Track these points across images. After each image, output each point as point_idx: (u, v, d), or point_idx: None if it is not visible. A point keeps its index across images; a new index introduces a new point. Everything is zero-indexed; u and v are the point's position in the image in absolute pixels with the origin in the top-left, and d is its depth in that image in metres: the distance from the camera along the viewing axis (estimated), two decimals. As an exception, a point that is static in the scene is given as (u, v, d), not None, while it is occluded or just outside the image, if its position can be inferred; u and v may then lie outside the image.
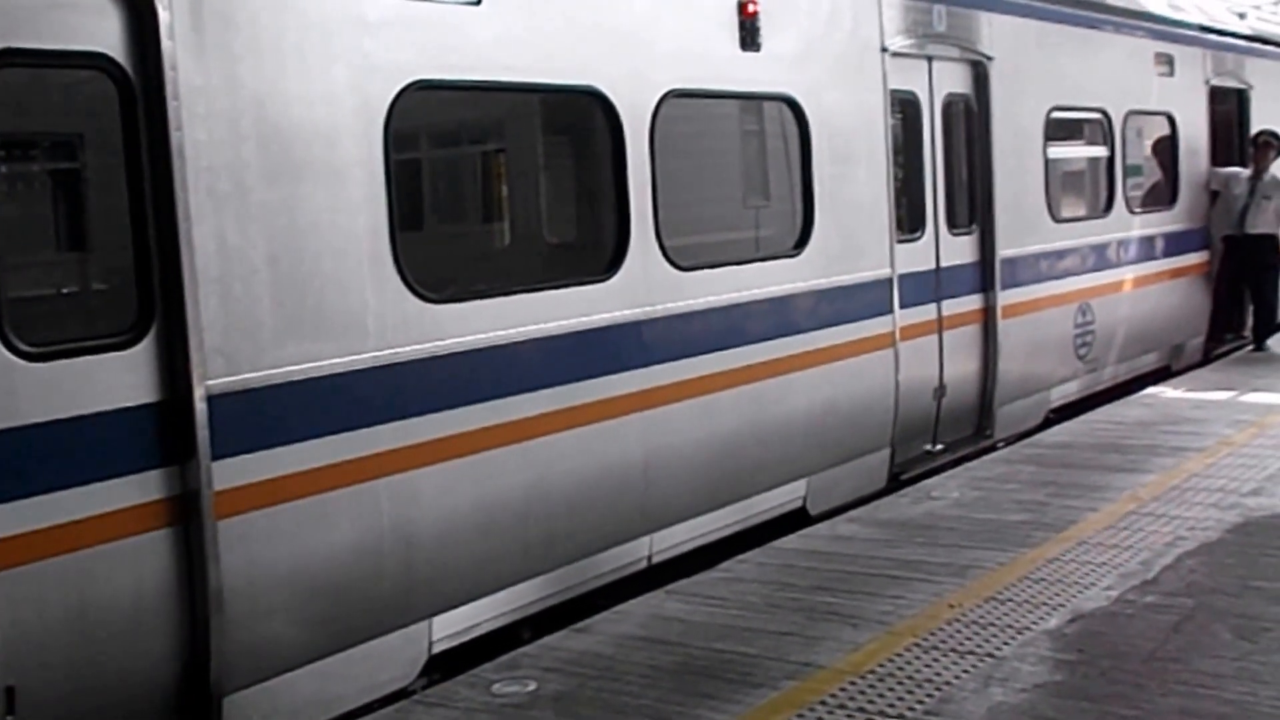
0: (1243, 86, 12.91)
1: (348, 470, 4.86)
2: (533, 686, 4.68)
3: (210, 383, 4.41)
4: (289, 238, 4.70)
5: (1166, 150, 11.60)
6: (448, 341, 5.22)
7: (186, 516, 4.38)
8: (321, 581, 4.79)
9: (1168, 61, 11.42)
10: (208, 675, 4.45)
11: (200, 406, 4.37)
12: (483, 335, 5.36)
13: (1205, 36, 12.55)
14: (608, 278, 5.95)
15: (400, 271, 5.05)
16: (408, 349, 5.07)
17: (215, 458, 4.41)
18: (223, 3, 4.50)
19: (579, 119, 6.18)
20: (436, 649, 5.28)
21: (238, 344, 4.52)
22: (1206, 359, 12.09)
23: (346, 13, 4.91)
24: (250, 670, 4.59)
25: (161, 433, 4.33)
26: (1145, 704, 4.27)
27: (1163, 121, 11.45)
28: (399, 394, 5.04)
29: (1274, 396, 9.42)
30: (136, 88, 4.28)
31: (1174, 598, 5.24)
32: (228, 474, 4.47)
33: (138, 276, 4.34)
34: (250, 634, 4.56)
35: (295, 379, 4.69)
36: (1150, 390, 10.07)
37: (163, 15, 4.29)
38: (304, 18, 4.77)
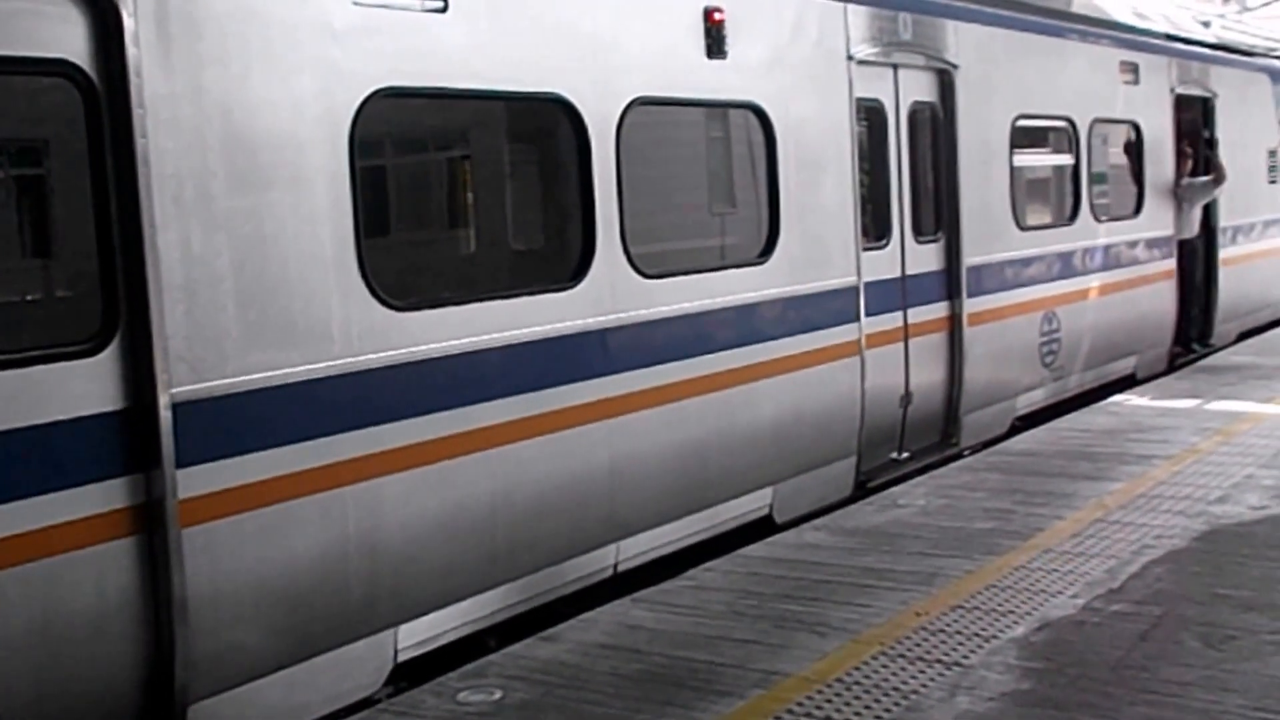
0: (1208, 95, 13.03)
1: (313, 478, 4.83)
2: (498, 695, 4.65)
3: (175, 390, 4.37)
4: (254, 245, 4.67)
5: (1132, 158, 11.69)
6: (413, 349, 5.20)
7: (151, 525, 4.34)
8: (287, 590, 4.75)
9: (1133, 70, 11.52)
10: (172, 684, 4.41)
11: (165, 414, 4.34)
12: (448, 343, 5.34)
13: (1170, 45, 12.68)
14: (573, 285, 5.94)
15: (366, 279, 5.02)
16: (373, 357, 5.04)
17: (180, 465, 4.38)
18: (188, 10, 4.47)
19: (545, 126, 6.18)
20: (402, 657, 5.25)
21: (202, 352, 4.49)
22: (1172, 366, 12.20)
23: (312, 20, 4.88)
24: (215, 679, 4.55)
25: (126, 440, 4.29)
26: (1112, 712, 4.29)
27: (1128, 130, 11.53)
28: (364, 402, 5.01)
29: (1240, 404, 9.50)
30: (101, 95, 4.25)
31: (1141, 606, 5.27)
32: (192, 482, 4.43)
33: (102, 284, 4.30)
34: (215, 643, 4.52)
35: (260, 387, 4.67)
36: (1116, 398, 10.14)
37: (128, 22, 4.26)
38: (269, 25, 4.74)
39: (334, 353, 4.90)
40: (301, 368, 4.78)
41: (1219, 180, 12.48)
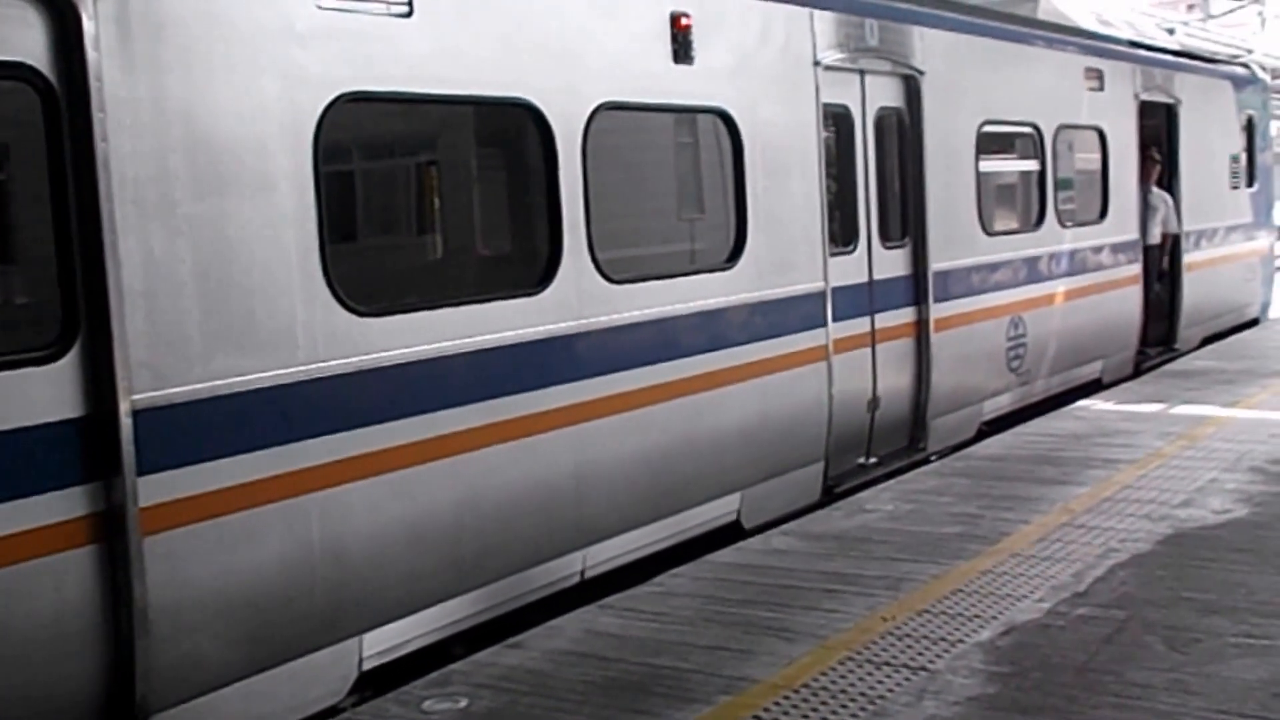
0: (1171, 101, 13.14)
1: (277, 485, 4.79)
2: (464, 703, 4.63)
3: (136, 397, 4.33)
4: (217, 250, 4.63)
5: (1097, 163, 11.77)
6: (378, 355, 5.17)
7: (111, 533, 4.29)
8: (250, 598, 4.71)
9: (1098, 76, 11.60)
10: (133, 694, 4.36)
11: (125, 421, 4.29)
12: (414, 349, 5.31)
13: (1134, 52, 12.77)
14: (540, 291, 5.92)
15: (330, 285, 4.99)
16: (337, 363, 5.01)
17: (141, 473, 4.34)
18: (150, 14, 4.43)
19: (511, 131, 6.16)
20: (367, 666, 5.21)
21: (164, 358, 4.44)
22: (1137, 370, 12.28)
23: (276, 24, 4.85)
24: (176, 689, 4.51)
25: (86, 448, 4.24)
26: (1077, 715, 4.30)
27: (1093, 136, 11.61)
28: (329, 408, 4.98)
29: (1203, 408, 9.57)
30: (61, 99, 4.20)
31: (1106, 609, 5.29)
32: (154, 490, 4.39)
33: (62, 290, 4.25)
34: (176, 652, 4.47)
35: (223, 393, 4.62)
36: (1082, 403, 10.19)
37: (88, 26, 4.22)
38: (232, 29, 4.70)
39: (298, 358, 4.86)
40: (265, 374, 4.75)
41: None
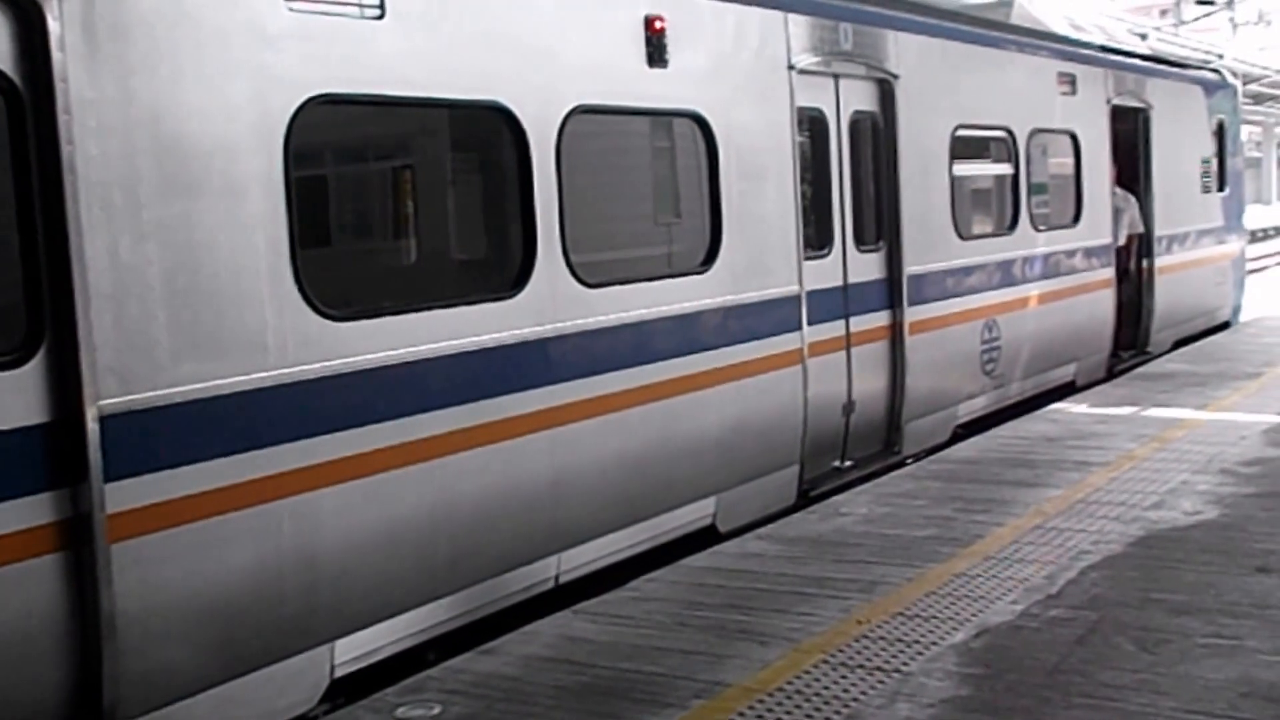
0: (1143, 106, 13.22)
1: (247, 491, 4.75)
2: (437, 710, 4.60)
3: (103, 403, 4.29)
4: (186, 254, 4.60)
5: (1070, 167, 11.83)
6: (350, 359, 5.14)
7: (78, 540, 4.24)
8: (220, 605, 4.67)
9: (1070, 81, 11.66)
10: (100, 704, 4.31)
11: (92, 427, 4.25)
12: (386, 353, 5.28)
13: (1106, 57, 12.85)
14: (514, 294, 5.90)
15: (301, 288, 4.96)
16: (309, 367, 4.97)
17: (108, 480, 4.29)
18: (116, 14, 4.39)
19: (485, 134, 6.14)
20: (339, 673, 5.18)
21: (132, 363, 4.40)
22: (1110, 373, 12.34)
23: (245, 25, 4.81)
24: (145, 698, 4.46)
25: (52, 454, 4.19)
26: (1048, 717, 4.31)
27: (1066, 140, 11.67)
28: (300, 413, 4.94)
29: (1175, 411, 9.62)
30: (25, 100, 4.16)
31: (1078, 611, 5.31)
32: (121, 496, 4.34)
33: (27, 293, 4.20)
34: (145, 661, 4.43)
35: (192, 398, 4.58)
36: (1056, 406, 10.23)
37: (53, 26, 4.17)
38: (201, 30, 4.67)
39: (268, 363, 4.83)
40: (234, 379, 4.71)
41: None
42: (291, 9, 4.98)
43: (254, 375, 4.78)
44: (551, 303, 6.07)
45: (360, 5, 5.27)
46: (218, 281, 4.69)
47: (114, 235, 4.36)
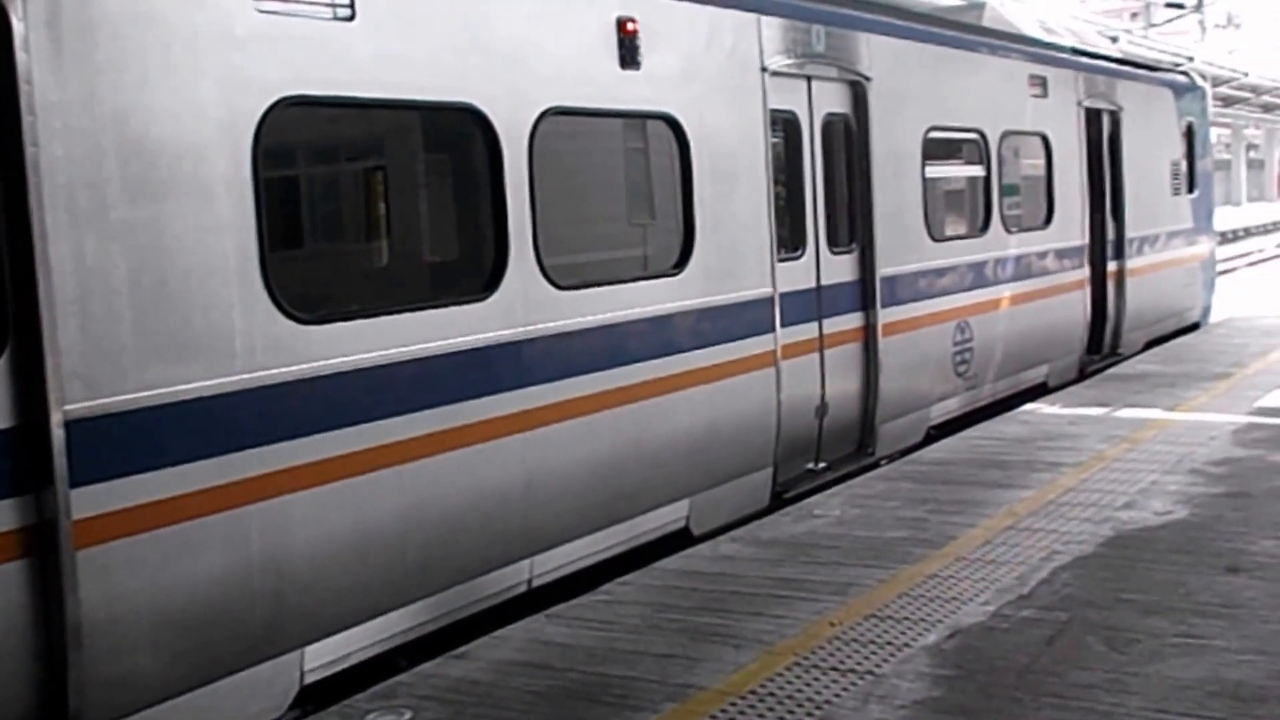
0: (1114, 108, 13.29)
1: (216, 497, 4.71)
2: (409, 716, 4.57)
3: (68, 407, 4.24)
4: (153, 257, 4.55)
5: (1042, 169, 11.88)
6: (320, 363, 5.10)
7: (43, 547, 4.20)
8: (188, 612, 4.63)
9: (1042, 83, 11.71)
10: (66, 712, 4.27)
11: (57, 432, 4.20)
12: (357, 356, 5.25)
13: (1078, 59, 12.92)
14: (485, 297, 5.88)
15: (270, 291, 4.92)
16: (278, 371, 4.94)
17: (74, 485, 4.24)
18: (82, 15, 4.35)
19: (456, 136, 6.11)
20: (309, 679, 5.14)
21: (98, 367, 4.36)
22: (1082, 374, 12.40)
23: (214, 26, 4.78)
24: (111, 706, 4.41)
25: (16, 460, 4.15)
26: (1019, 717, 4.32)
27: (1037, 142, 11.72)
28: (269, 417, 4.91)
29: (1146, 411, 9.67)
30: None
31: (1048, 611, 5.33)
32: (87, 502, 4.30)
33: None
34: (111, 669, 4.38)
35: (159, 403, 4.54)
36: (1028, 406, 10.27)
37: (17, 27, 4.13)
38: (169, 31, 4.63)
39: (236, 367, 4.79)
40: (202, 383, 4.67)
41: None
42: (260, 10, 4.94)
43: (222, 379, 4.74)
44: (524, 305, 6.05)
45: (330, 6, 5.23)
46: (185, 285, 4.65)
47: (79, 238, 4.31)
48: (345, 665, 5.31)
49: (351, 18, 5.29)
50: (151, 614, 4.51)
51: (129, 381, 4.45)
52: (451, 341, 5.67)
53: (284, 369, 4.96)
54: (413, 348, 5.49)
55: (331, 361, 5.15)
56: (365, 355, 5.28)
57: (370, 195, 6.02)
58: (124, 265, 4.45)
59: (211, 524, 4.69)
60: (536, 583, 6.23)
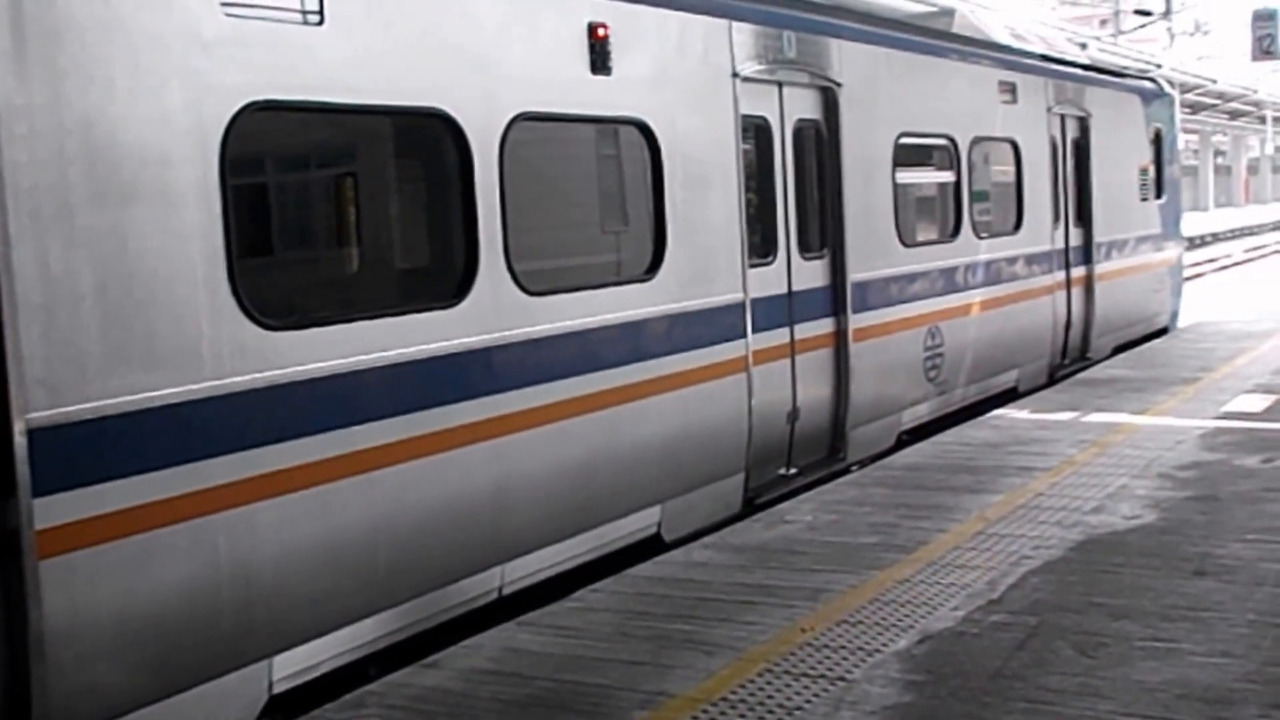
0: (1083, 114, 13.38)
1: (182, 505, 4.66)
2: (378, 725, 4.55)
3: (31, 416, 4.19)
4: (118, 263, 4.51)
5: (1012, 175, 11.94)
6: (289, 370, 5.06)
7: (6, 557, 4.15)
8: (154, 622, 4.58)
9: (1011, 90, 11.77)
10: (29, 723, 4.22)
11: (20, 441, 4.15)
12: (326, 363, 5.21)
13: (1047, 66, 12.99)
14: (456, 303, 5.85)
15: (238, 297, 4.88)
16: (246, 378, 4.90)
17: (37, 494, 4.19)
18: (46, 19, 4.31)
19: (426, 142, 6.08)
20: (277, 689, 5.09)
21: (62, 375, 4.31)
22: (1052, 379, 12.46)
23: (180, 30, 4.74)
24: (76, 717, 4.36)
25: None
26: (990, 723, 4.34)
27: (1007, 148, 11.78)
28: (237, 425, 4.87)
29: (1115, 416, 9.73)
30: None
31: (1019, 616, 5.34)
32: (51, 511, 4.25)
33: None
34: (75, 680, 4.33)
35: (125, 411, 4.49)
36: (998, 412, 10.31)
37: None
38: (135, 36, 4.59)
39: (204, 374, 4.75)
40: (168, 390, 4.62)
41: None
42: (228, 14, 4.91)
43: (189, 387, 4.70)
44: (494, 311, 6.02)
45: (299, 11, 5.20)
46: (152, 291, 4.61)
47: (43, 244, 4.27)
48: (314, 675, 5.26)
49: (321, 22, 5.26)
50: (117, 624, 4.46)
51: (94, 389, 4.40)
52: (421, 348, 5.65)
53: (252, 376, 4.93)
54: (382, 354, 5.45)
55: (300, 368, 5.11)
56: (334, 362, 5.25)
57: (340, 201, 5.98)
58: (89, 272, 4.41)
59: (178, 533, 4.65)
60: (508, 590, 6.21)
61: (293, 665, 5.14)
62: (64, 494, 4.28)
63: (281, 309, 5.14)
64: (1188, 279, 20.09)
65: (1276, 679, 4.56)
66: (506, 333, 6.10)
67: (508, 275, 6.10)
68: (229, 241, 4.85)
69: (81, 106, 4.41)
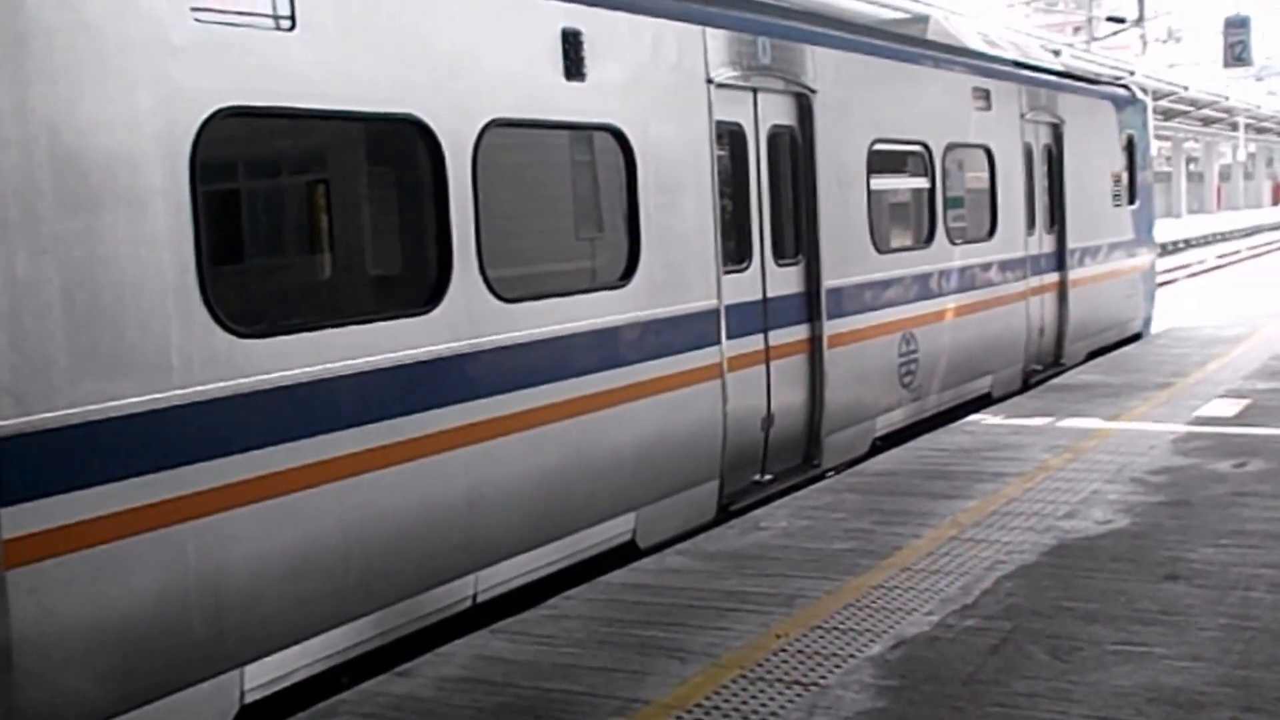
0: (1056, 121, 13.45)
1: (151, 514, 4.63)
2: (350, 734, 4.53)
3: None
4: (86, 269, 4.47)
5: (986, 182, 11.98)
6: (260, 377, 5.04)
7: None
8: (124, 632, 4.55)
9: (985, 96, 11.82)
10: (-3, 735, 4.18)
11: None
12: (298, 370, 5.18)
13: (1020, 73, 13.06)
14: (429, 310, 5.83)
15: (208, 305, 4.85)
16: (216, 386, 4.86)
17: (5, 504, 4.16)
18: (12, 24, 4.27)
19: (399, 148, 6.06)
20: (249, 698, 5.06)
21: (29, 383, 4.27)
22: (1026, 385, 12.51)
23: (149, 36, 4.71)
24: (44, 729, 4.33)
25: None
26: (963, 728, 4.34)
27: (980, 154, 11.83)
28: (207, 433, 4.83)
29: (1088, 421, 9.77)
30: None
31: (992, 621, 5.35)
32: (19, 520, 4.21)
33: None
34: (43, 691, 4.29)
35: (93, 419, 4.46)
36: (972, 417, 10.34)
37: None
38: (103, 40, 4.56)
39: (173, 382, 4.72)
40: (138, 398, 4.59)
41: None
42: (198, 19, 4.88)
43: (158, 394, 4.66)
44: (468, 318, 6.01)
45: (270, 16, 5.18)
46: (120, 298, 4.57)
47: (10, 251, 4.23)
48: (286, 684, 5.23)
49: (292, 27, 5.24)
50: (86, 634, 4.43)
51: (62, 397, 4.37)
52: (394, 355, 5.62)
53: (223, 383, 4.89)
54: (355, 361, 5.43)
55: (272, 376, 5.08)
56: (306, 369, 5.22)
57: (312, 207, 5.95)
58: (57, 278, 4.37)
59: (148, 541, 4.61)
60: (481, 598, 6.18)
61: (265, 674, 5.11)
62: (32, 503, 4.24)
63: (253, 316, 5.11)
64: (1161, 285, 20.21)
65: (1247, 682, 4.58)
66: (480, 339, 6.08)
67: (481, 282, 6.08)
68: (199, 248, 4.82)
69: (48, 112, 4.37)
